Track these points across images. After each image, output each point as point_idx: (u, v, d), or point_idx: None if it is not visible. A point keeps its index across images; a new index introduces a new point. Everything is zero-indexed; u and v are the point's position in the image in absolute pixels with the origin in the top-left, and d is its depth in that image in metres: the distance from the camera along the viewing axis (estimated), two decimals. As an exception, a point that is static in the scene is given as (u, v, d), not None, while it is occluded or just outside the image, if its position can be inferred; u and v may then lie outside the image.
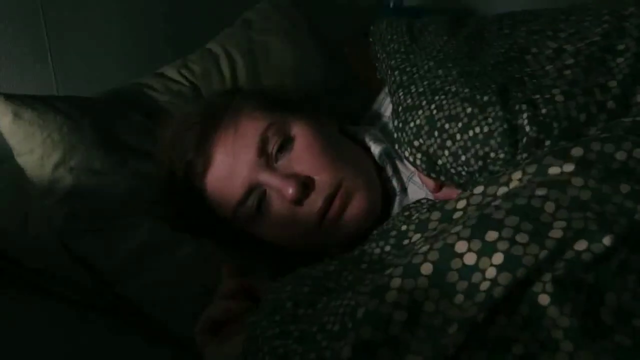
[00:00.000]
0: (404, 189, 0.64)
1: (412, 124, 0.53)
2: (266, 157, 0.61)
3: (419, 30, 0.64)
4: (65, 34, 0.86)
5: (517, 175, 0.41)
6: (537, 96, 0.47)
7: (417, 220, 0.45)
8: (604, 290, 0.35)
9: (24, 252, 0.63)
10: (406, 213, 0.51)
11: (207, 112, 0.64)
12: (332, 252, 0.66)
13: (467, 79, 0.52)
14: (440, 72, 0.55)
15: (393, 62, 0.61)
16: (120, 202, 0.64)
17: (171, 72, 0.78)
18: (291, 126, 0.62)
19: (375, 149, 0.65)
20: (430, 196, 0.60)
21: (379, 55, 0.66)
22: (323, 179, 0.59)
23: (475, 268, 0.37)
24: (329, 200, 0.59)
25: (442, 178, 0.53)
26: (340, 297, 0.41)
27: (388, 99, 0.73)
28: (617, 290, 0.35)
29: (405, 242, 0.45)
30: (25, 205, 0.67)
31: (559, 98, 0.46)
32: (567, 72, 0.48)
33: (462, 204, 0.42)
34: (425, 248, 0.39)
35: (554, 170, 0.39)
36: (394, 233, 0.47)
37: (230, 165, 0.60)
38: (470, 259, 0.37)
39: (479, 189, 0.42)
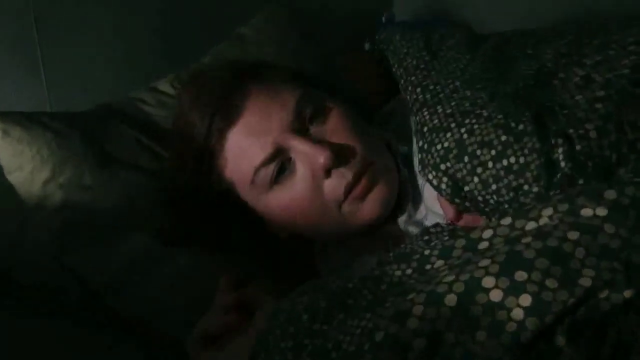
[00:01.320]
0: (415, 199, 0.63)
1: (439, 146, 0.51)
2: (300, 123, 0.58)
3: (437, 45, 0.63)
4: (58, 49, 0.86)
5: (548, 212, 0.40)
6: (571, 130, 0.46)
7: (440, 246, 0.44)
8: (607, 328, 0.36)
9: (17, 267, 0.63)
10: (425, 237, 0.50)
11: (239, 70, 0.62)
12: (332, 255, 0.65)
13: (498, 103, 0.50)
14: (468, 93, 0.53)
15: (413, 78, 0.59)
16: (112, 216, 0.63)
17: (164, 86, 0.78)
18: (325, 99, 0.61)
19: (401, 148, 0.65)
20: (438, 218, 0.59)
21: (394, 69, 0.64)
22: (355, 154, 0.58)
23: (501, 305, 0.36)
24: (358, 177, 0.57)
25: (467, 204, 0.51)
26: (358, 316, 0.41)
27: (400, 109, 0.72)
28: (619, 327, 0.35)
29: (428, 267, 0.44)
30: (18, 221, 0.67)
31: (593, 134, 0.45)
32: (599, 105, 0.47)
33: (488, 233, 0.41)
34: (450, 278, 0.38)
35: (586, 212, 0.38)
36: (416, 257, 0.45)
37: (261, 123, 0.57)
38: (496, 295, 0.36)
39: (507, 221, 0.41)
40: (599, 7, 1.02)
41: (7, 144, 0.63)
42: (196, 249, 0.63)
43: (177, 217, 0.64)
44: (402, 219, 0.62)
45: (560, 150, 0.45)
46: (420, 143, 0.54)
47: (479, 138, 0.49)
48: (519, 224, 0.40)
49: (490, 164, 0.48)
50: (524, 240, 0.38)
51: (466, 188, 0.50)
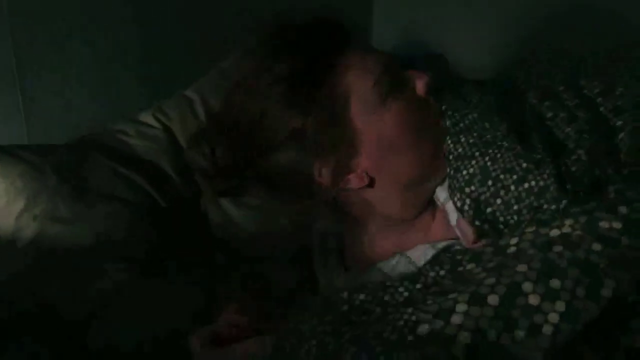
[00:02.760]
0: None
1: (464, 172, 0.57)
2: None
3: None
4: (38, 85, 0.86)
5: (569, 222, 0.45)
6: (567, 160, 0.55)
7: (469, 252, 0.50)
8: (620, 334, 0.41)
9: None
10: (448, 254, 0.56)
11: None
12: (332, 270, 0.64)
13: (516, 136, 0.57)
14: (487, 124, 0.59)
15: None
16: (87, 248, 0.62)
17: (145, 117, 0.78)
18: None
19: None
20: None
21: None
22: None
23: (538, 309, 0.40)
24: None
25: (486, 227, 0.56)
26: (398, 310, 0.44)
27: None
28: (631, 334, 0.41)
29: (460, 269, 0.48)
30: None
31: (584, 157, 0.54)
32: (586, 136, 0.56)
33: (514, 240, 0.46)
34: (491, 280, 0.42)
35: (604, 225, 0.44)
36: (447, 260, 0.51)
37: (367, 52, 0.58)
38: (534, 300, 0.41)
39: (531, 229, 0.46)
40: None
41: (-19, 177, 0.63)
42: (174, 280, 0.62)
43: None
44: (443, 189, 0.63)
45: (563, 172, 0.53)
46: (451, 172, 0.59)
47: (502, 165, 0.55)
48: (543, 230, 0.45)
49: (512, 187, 0.54)
50: (556, 249, 0.43)
51: (489, 210, 0.55)
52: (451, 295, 0.42)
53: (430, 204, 0.64)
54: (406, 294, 0.49)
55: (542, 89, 0.64)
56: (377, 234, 0.66)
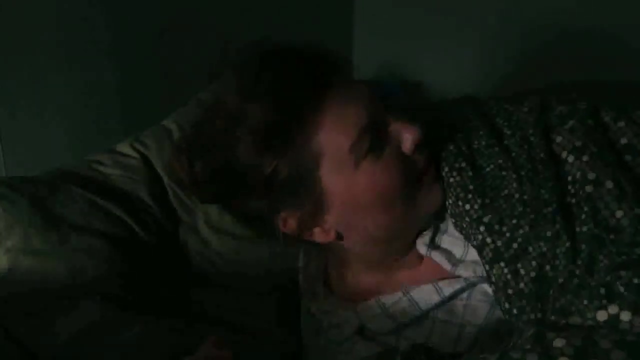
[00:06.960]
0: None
1: (538, 314, 0.51)
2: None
3: (467, 143, 0.62)
4: (15, 122, 0.85)
5: (617, 301, 0.43)
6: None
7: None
8: None
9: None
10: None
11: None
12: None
13: (567, 249, 0.50)
14: (542, 245, 0.52)
15: (468, 206, 0.57)
16: (62, 282, 0.60)
17: (122, 147, 0.77)
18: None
19: None
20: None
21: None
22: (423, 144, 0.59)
23: None
24: (429, 162, 0.59)
25: None
26: None
27: None
28: None
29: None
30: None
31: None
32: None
33: (561, 321, 0.45)
34: (526, 346, 0.40)
35: None
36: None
37: (354, 97, 0.56)
38: None
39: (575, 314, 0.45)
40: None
41: (-48, 212, 0.61)
42: (150, 316, 0.60)
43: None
44: (423, 242, 0.61)
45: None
46: (507, 305, 0.52)
47: (563, 301, 0.48)
48: (589, 314, 0.43)
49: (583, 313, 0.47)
50: (601, 332, 0.40)
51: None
52: (482, 355, 0.41)
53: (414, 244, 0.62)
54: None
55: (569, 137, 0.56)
56: (359, 271, 0.64)
